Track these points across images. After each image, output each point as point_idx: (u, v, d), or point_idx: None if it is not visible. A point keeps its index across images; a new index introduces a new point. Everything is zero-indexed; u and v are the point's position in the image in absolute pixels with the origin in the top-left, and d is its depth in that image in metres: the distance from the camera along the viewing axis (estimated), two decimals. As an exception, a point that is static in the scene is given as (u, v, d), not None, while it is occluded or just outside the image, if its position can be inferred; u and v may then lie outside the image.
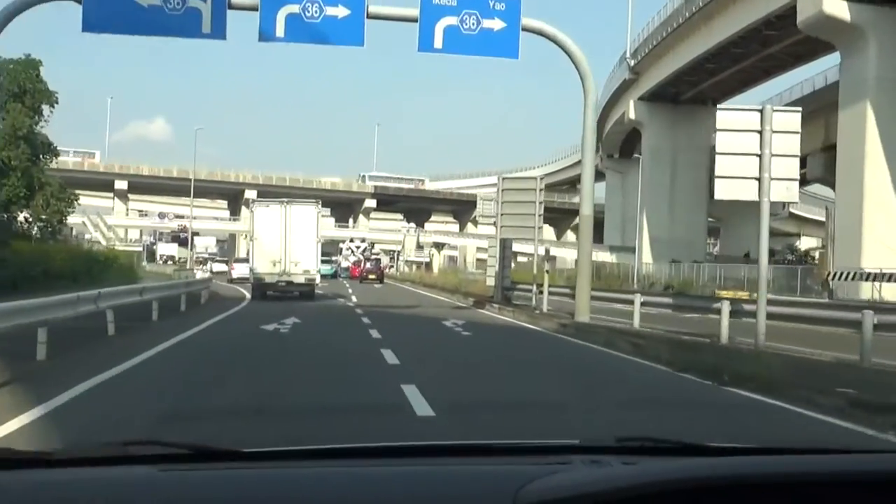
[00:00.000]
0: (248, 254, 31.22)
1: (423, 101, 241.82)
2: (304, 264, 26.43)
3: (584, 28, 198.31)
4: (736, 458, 1.92)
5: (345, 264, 71.68)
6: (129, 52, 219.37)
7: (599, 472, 1.69)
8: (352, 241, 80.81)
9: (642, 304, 18.16)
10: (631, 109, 53.19)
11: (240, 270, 39.40)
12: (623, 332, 15.86)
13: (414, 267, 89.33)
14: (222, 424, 6.63)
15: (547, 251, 23.77)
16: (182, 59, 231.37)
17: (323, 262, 68.18)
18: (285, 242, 26.02)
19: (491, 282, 26.78)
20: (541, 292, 21.37)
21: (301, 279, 26.49)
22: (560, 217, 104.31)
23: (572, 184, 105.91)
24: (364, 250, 77.90)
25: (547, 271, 22.28)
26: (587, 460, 1.82)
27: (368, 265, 58.62)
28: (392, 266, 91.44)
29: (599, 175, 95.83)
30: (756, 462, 1.79)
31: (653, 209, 52.10)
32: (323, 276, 60.00)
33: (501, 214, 22.63)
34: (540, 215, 21.77)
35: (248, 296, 28.18)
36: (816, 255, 50.04)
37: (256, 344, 13.75)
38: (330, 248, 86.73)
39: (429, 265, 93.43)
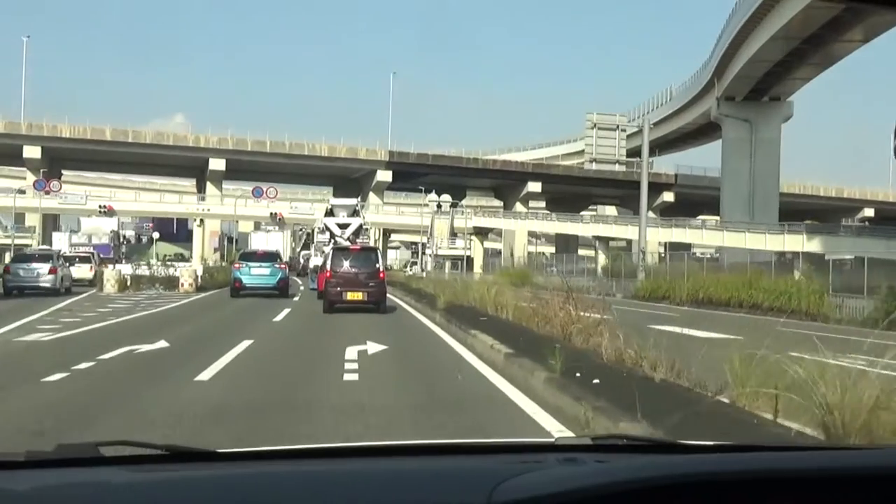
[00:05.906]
0: None
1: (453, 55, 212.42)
2: None
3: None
4: (709, 456, 1.90)
5: (315, 262, 36.22)
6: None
7: (574, 471, 1.68)
8: (330, 213, 38.11)
9: None
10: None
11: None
12: None
13: (448, 265, 62.91)
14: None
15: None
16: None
17: (255, 264, 30.34)
18: None
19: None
20: None
21: None
22: (639, 194, 77.53)
23: (682, 138, 79.54)
24: (358, 232, 35.74)
25: None
26: (562, 458, 1.81)
27: (347, 264, 22.64)
28: (415, 263, 65.11)
29: (710, 127, 69.24)
30: (729, 459, 1.78)
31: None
32: (258, 289, 29.17)
33: None
34: None
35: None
36: None
37: None
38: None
39: (469, 261, 66.86)
